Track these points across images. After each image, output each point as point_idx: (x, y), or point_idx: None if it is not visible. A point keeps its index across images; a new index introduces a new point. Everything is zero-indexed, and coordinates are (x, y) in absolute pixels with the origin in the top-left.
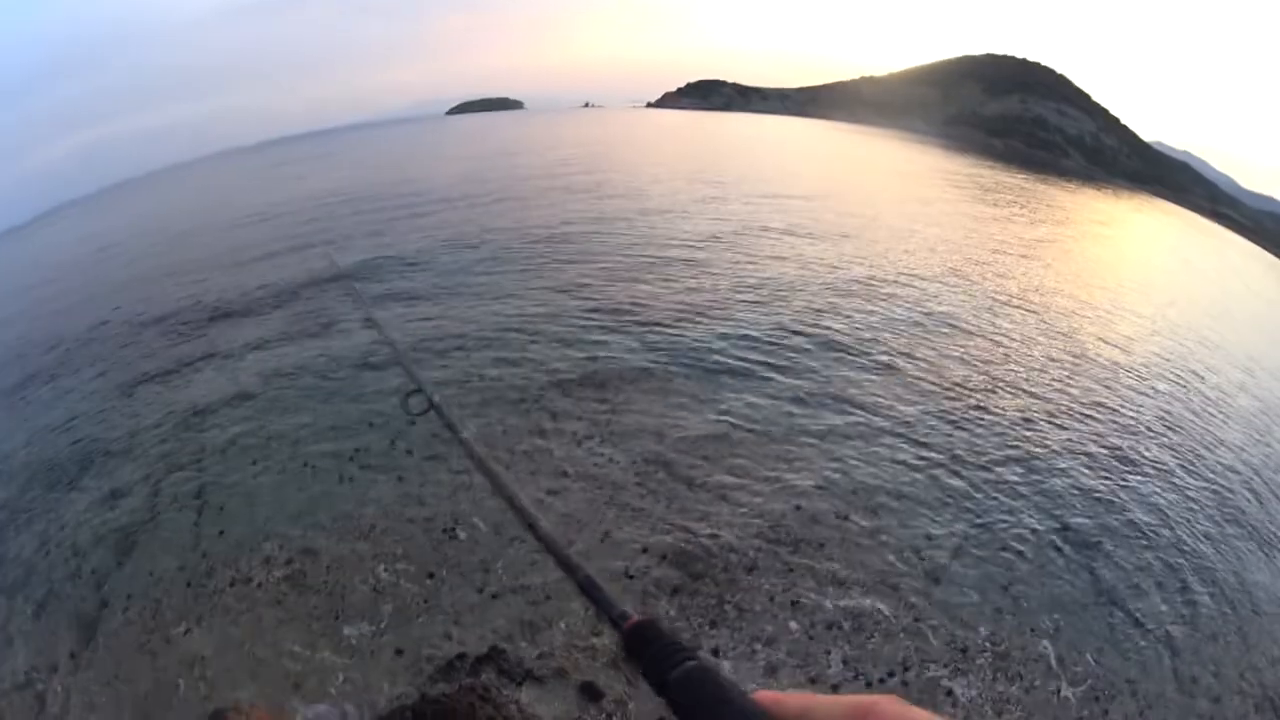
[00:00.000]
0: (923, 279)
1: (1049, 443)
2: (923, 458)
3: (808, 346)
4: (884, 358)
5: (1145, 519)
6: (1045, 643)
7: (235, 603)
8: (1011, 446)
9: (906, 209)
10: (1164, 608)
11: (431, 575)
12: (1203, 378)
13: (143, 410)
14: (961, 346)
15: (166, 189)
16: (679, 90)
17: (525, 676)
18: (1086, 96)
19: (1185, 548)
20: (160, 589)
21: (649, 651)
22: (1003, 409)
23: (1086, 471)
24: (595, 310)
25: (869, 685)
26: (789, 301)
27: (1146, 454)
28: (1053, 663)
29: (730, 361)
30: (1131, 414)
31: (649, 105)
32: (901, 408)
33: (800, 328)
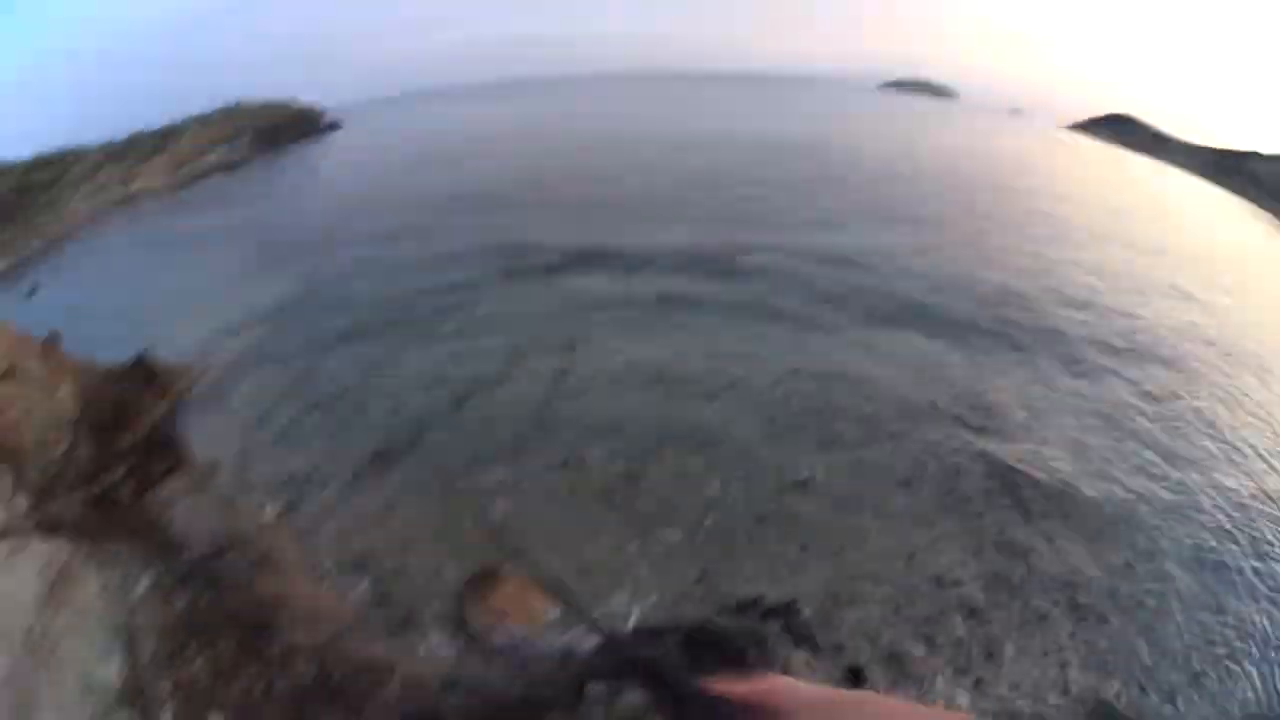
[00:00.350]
0: None
1: None
2: None
3: None
4: None
5: None
6: None
7: (561, 480)
8: None
9: None
10: None
11: (764, 518)
12: None
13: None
14: None
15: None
16: (1098, 119)
17: (805, 640)
18: None
19: None
20: (483, 446)
21: None
22: None
23: None
24: None
25: None
26: None
27: None
28: None
29: None
30: None
31: (1072, 127)
32: None
33: None
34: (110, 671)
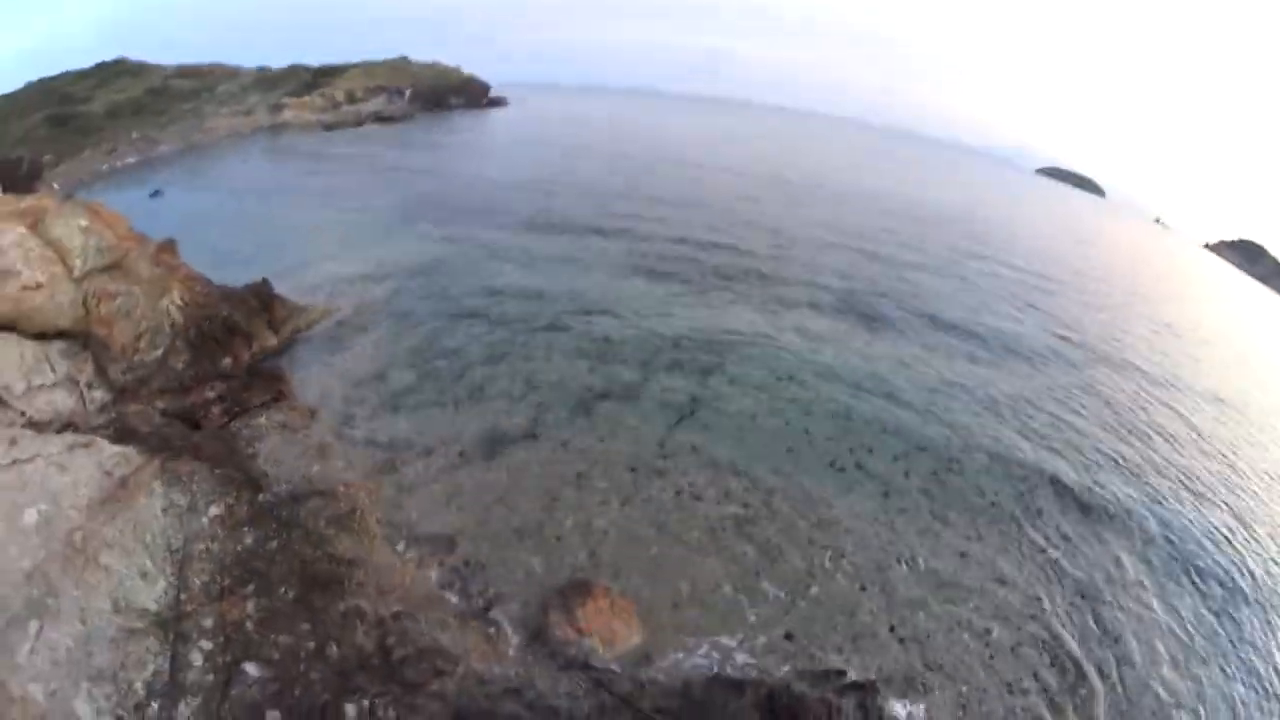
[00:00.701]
0: None
1: None
2: None
3: None
4: None
5: None
6: None
7: (670, 507)
8: None
9: None
10: None
11: (864, 589)
12: None
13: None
14: None
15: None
16: (1230, 243)
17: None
18: None
19: None
20: (604, 454)
21: None
22: None
23: None
24: None
25: None
26: None
27: None
28: None
29: None
30: None
31: (1206, 246)
32: None
33: None
34: (151, 594)
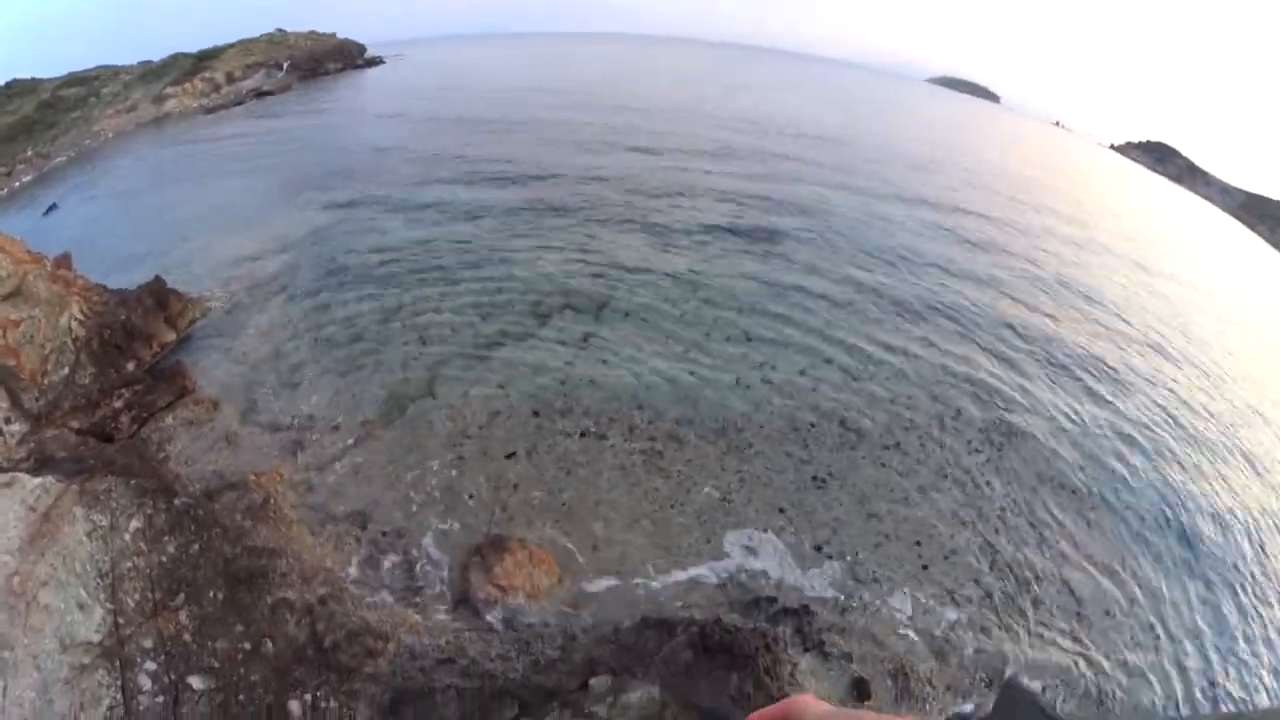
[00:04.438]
0: None
1: None
2: None
3: None
4: None
5: None
6: None
7: (578, 451)
8: None
9: None
10: None
11: (783, 510)
12: None
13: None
14: None
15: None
16: (1138, 144)
17: (815, 645)
18: None
19: None
20: (502, 404)
21: None
22: None
23: None
24: None
25: None
26: None
27: None
28: None
29: None
30: None
31: (1111, 147)
32: None
33: None
34: (90, 624)
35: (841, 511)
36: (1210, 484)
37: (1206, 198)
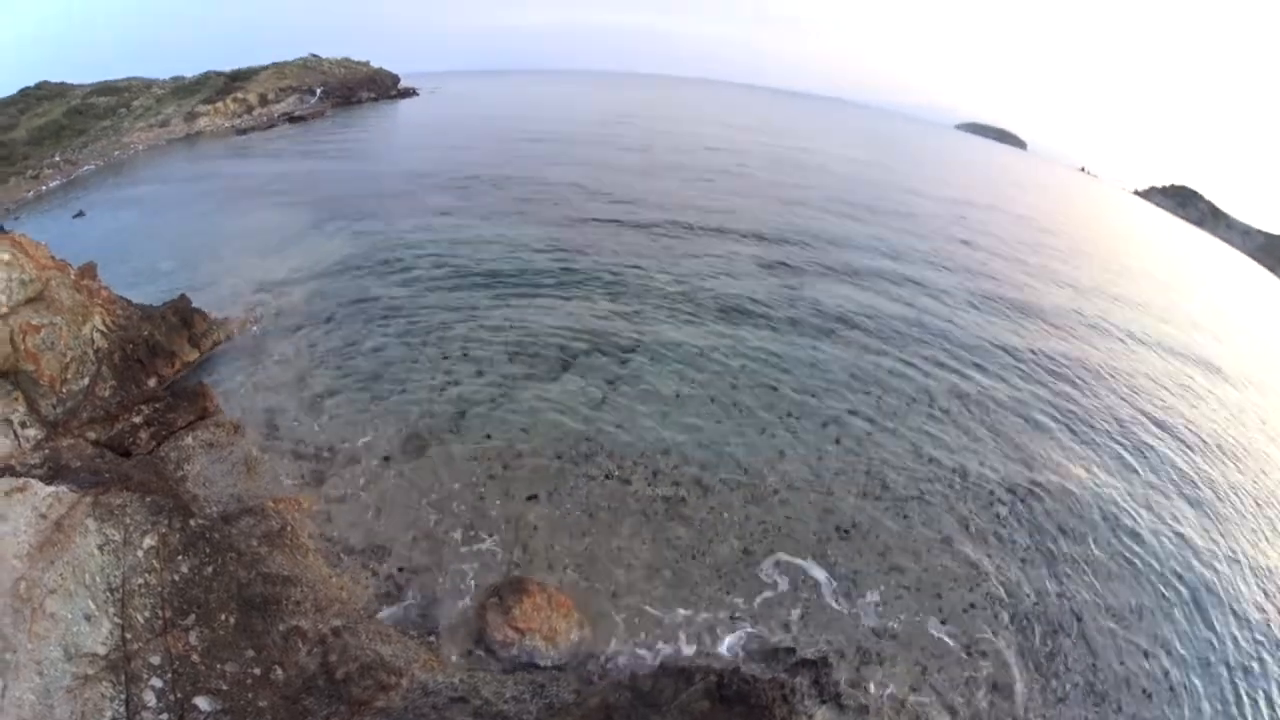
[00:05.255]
0: None
1: None
2: None
3: None
4: None
5: None
6: None
7: (601, 496)
8: None
9: None
10: None
11: (804, 563)
12: None
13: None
14: None
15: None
16: (1161, 189)
17: (832, 698)
18: None
19: None
20: (525, 445)
21: None
22: None
23: None
24: None
25: None
26: None
27: None
28: None
29: None
30: None
31: (1135, 193)
32: None
33: None
34: (97, 637)
35: (863, 563)
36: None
37: (1228, 240)
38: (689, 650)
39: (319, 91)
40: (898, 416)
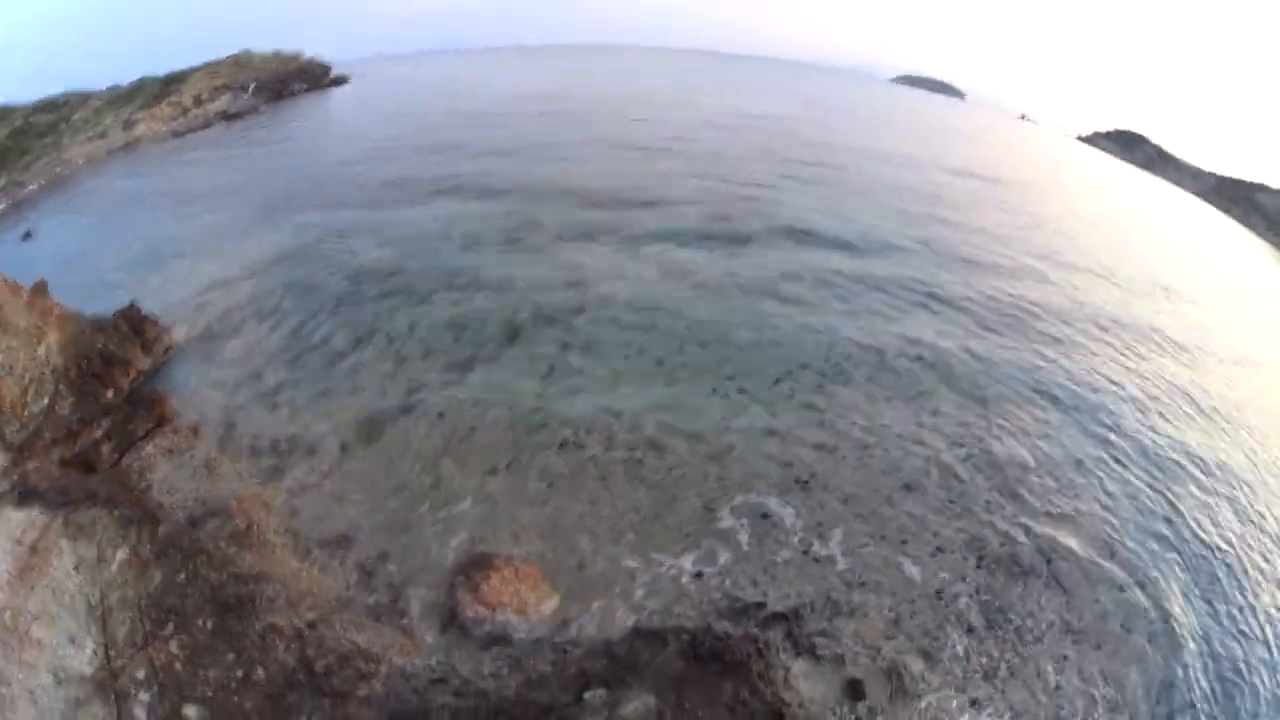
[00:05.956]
0: None
1: None
2: None
3: None
4: None
5: None
6: None
7: (558, 464)
8: None
9: None
10: None
11: (766, 516)
12: None
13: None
14: None
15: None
16: (1105, 134)
17: (807, 650)
18: None
19: None
20: (479, 420)
21: None
22: None
23: None
24: None
25: None
26: None
27: None
28: None
29: None
30: None
31: (1079, 138)
32: None
33: None
34: (82, 658)
35: (825, 514)
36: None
37: (1177, 183)
38: (660, 611)
39: (251, 87)
40: (848, 370)
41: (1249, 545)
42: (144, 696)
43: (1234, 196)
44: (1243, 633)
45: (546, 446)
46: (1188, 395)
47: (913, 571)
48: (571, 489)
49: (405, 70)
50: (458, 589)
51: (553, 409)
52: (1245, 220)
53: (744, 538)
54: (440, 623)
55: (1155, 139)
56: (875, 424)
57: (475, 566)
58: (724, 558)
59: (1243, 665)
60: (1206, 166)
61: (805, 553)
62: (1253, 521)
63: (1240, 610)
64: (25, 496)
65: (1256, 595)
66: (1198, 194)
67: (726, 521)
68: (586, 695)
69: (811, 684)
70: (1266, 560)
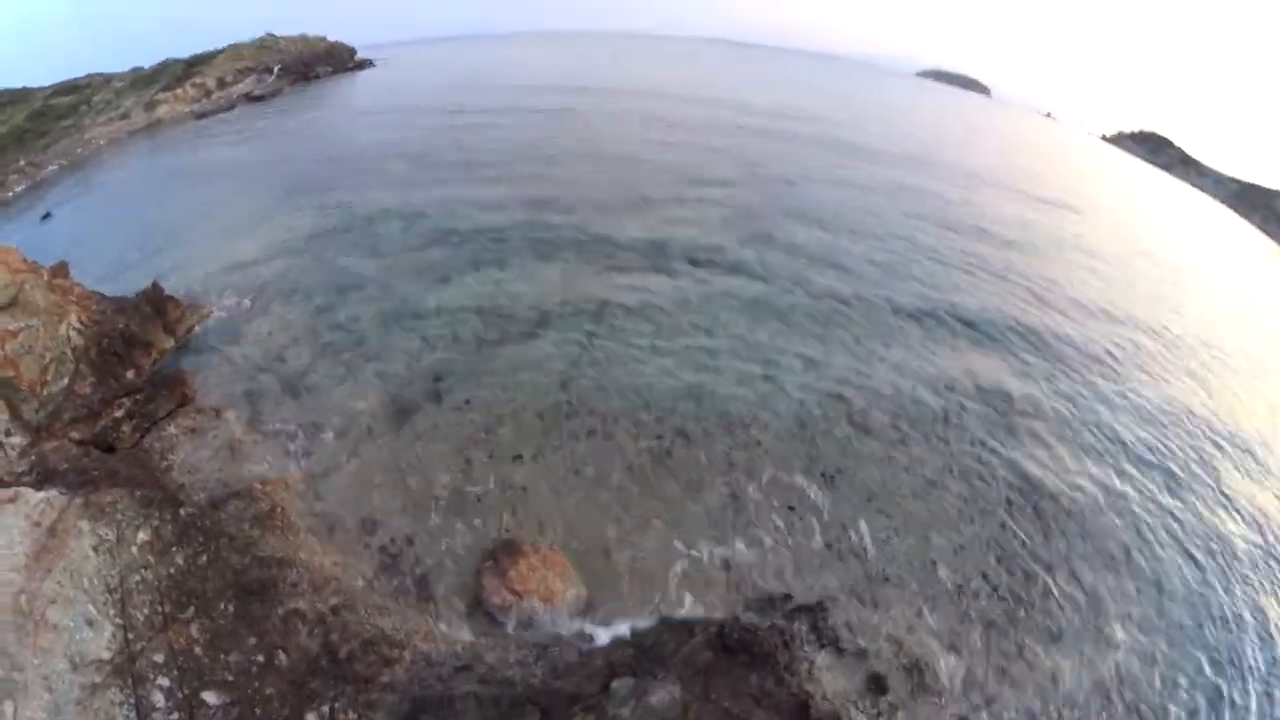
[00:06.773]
0: None
1: None
2: None
3: None
4: None
5: None
6: None
7: (586, 452)
8: None
9: None
10: None
11: (793, 508)
12: None
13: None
14: None
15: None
16: (1131, 135)
17: (831, 643)
18: None
19: None
20: (506, 407)
21: None
22: None
23: None
24: None
25: None
26: None
27: None
28: None
29: None
30: None
31: (1103, 138)
32: None
33: None
34: (100, 641)
35: (850, 507)
36: None
37: (1200, 188)
38: (687, 601)
39: (276, 69)
40: (876, 360)
41: None
42: (163, 681)
43: (1254, 203)
44: None
45: (575, 435)
46: None
47: (936, 565)
48: (599, 478)
49: (429, 55)
50: (484, 575)
51: (581, 397)
52: (1264, 227)
53: (770, 529)
54: (466, 610)
55: (1178, 141)
56: (901, 417)
57: (502, 553)
58: (751, 549)
59: None
60: (1228, 171)
61: (830, 546)
62: None
63: None
64: (44, 478)
65: None
66: (1221, 199)
67: (753, 512)
68: (613, 684)
69: (835, 677)
70: None
